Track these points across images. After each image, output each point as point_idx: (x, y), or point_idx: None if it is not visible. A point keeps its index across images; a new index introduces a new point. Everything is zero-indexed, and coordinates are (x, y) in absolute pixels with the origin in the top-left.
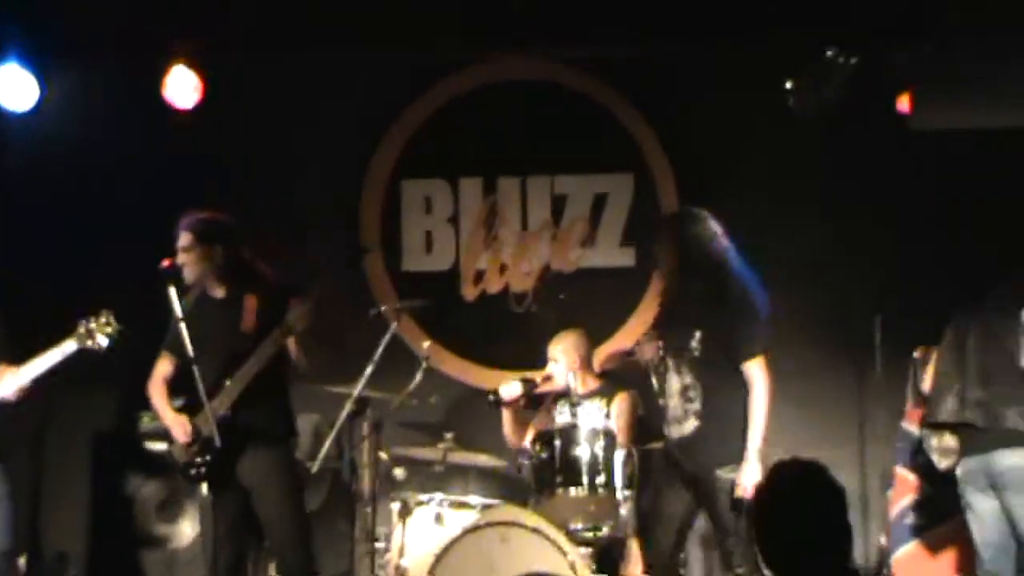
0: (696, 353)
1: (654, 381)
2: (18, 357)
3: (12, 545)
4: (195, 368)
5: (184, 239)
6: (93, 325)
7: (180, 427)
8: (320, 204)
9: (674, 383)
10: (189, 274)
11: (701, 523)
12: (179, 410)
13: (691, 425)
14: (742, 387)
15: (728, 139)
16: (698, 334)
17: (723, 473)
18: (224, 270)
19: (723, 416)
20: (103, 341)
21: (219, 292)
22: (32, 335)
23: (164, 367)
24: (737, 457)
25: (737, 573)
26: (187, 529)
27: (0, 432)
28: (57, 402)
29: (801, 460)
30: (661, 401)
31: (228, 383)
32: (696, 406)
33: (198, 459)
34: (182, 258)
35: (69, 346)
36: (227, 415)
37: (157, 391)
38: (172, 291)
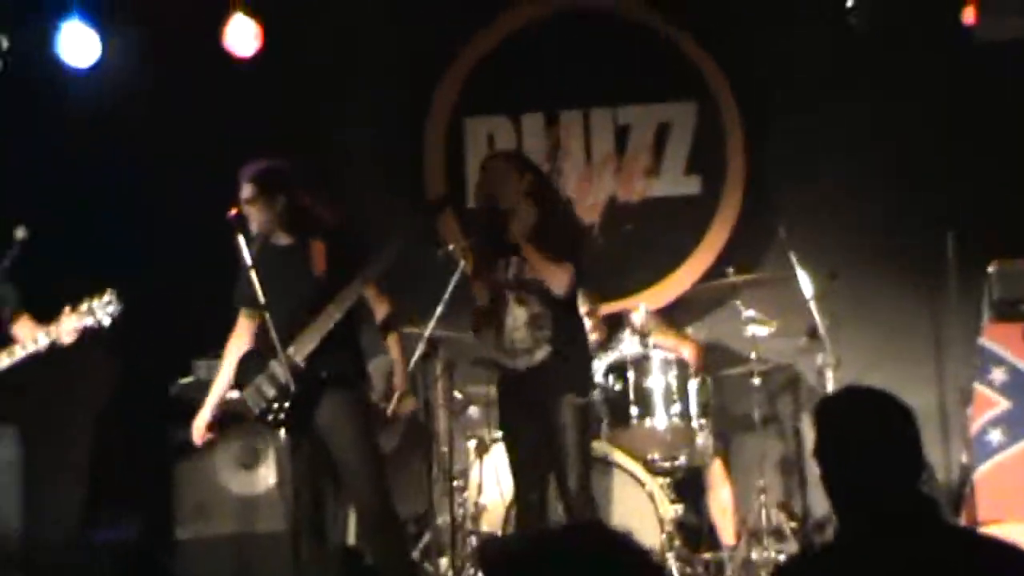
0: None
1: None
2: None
3: (20, 524)
4: (268, 315)
5: (247, 191)
6: (96, 303)
7: (199, 426)
8: (382, 146)
9: (521, 315)
10: (254, 224)
11: (779, 449)
12: (256, 355)
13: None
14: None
15: (790, 62)
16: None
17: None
18: (288, 217)
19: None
20: (105, 320)
21: (284, 240)
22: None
23: (243, 322)
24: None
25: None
26: (264, 476)
27: (13, 396)
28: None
29: (865, 386)
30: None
31: (306, 329)
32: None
33: (275, 405)
34: (247, 209)
35: (70, 324)
36: (303, 362)
37: (233, 351)
38: (240, 239)
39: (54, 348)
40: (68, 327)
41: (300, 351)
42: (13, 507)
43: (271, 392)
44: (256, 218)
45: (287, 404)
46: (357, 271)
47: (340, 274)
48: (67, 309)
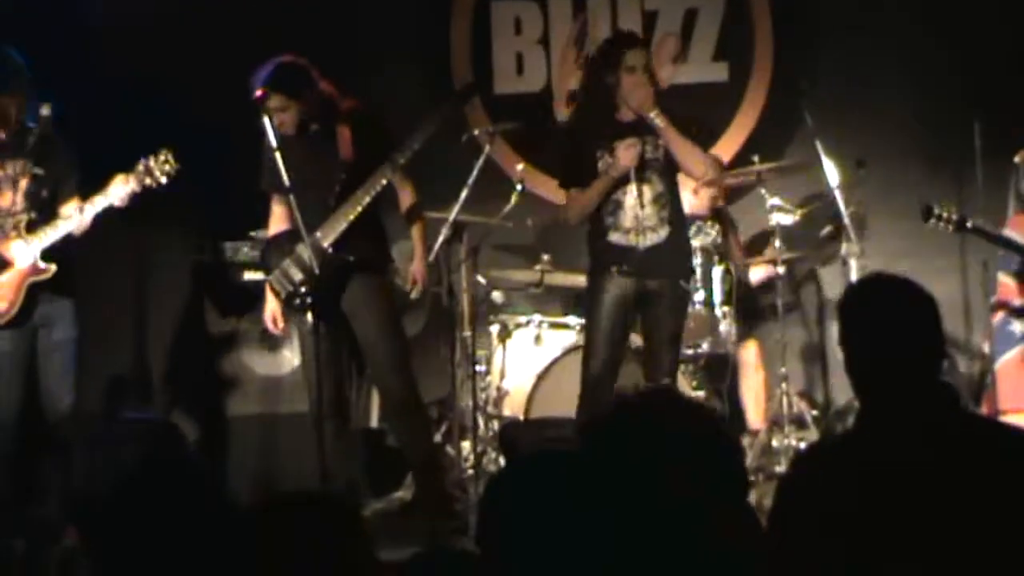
0: (662, 160)
1: (632, 189)
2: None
3: (71, 400)
4: (293, 199)
5: (277, 100)
6: (152, 163)
7: (273, 314)
8: (405, 30)
9: (648, 192)
10: (289, 128)
11: (801, 338)
12: (285, 239)
13: (664, 232)
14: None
15: None
16: (657, 142)
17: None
18: (315, 110)
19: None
20: (162, 179)
21: (312, 127)
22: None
23: (277, 208)
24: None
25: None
26: (288, 357)
27: (67, 269)
28: (154, 236)
29: (889, 273)
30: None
31: (334, 214)
32: (666, 213)
33: (302, 289)
34: (281, 117)
35: (128, 184)
36: (329, 246)
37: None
38: (266, 121)
39: (110, 212)
40: (123, 189)
41: (327, 236)
42: (65, 387)
43: (298, 276)
44: (290, 122)
45: (313, 288)
46: (384, 156)
47: (367, 159)
48: (120, 174)
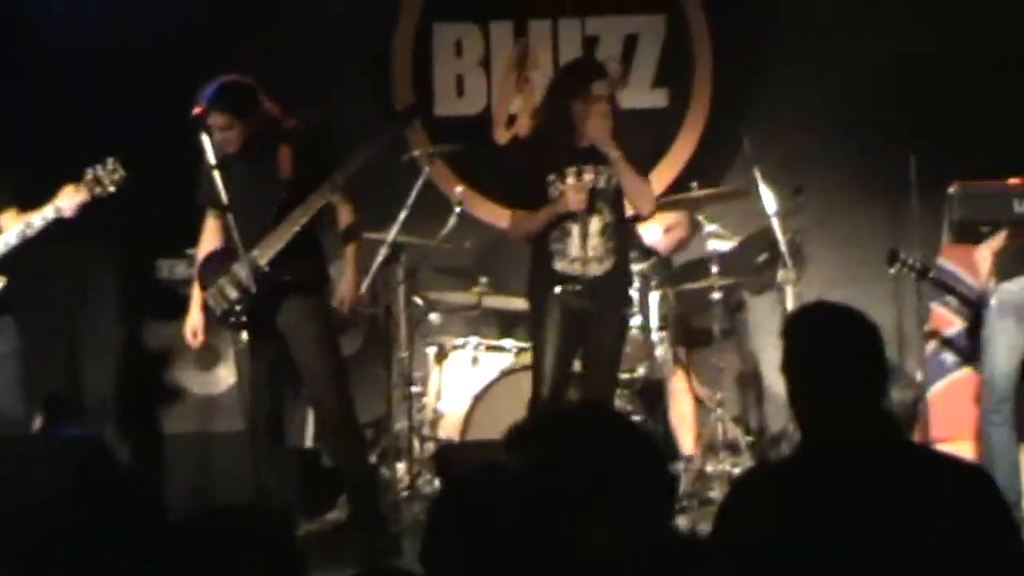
0: (612, 191)
1: (575, 226)
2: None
3: (26, 410)
4: (230, 217)
5: (222, 119)
6: (101, 172)
7: (194, 327)
8: (350, 51)
9: (596, 222)
10: (233, 146)
11: (736, 364)
12: (220, 256)
13: (609, 263)
14: None
15: None
16: (610, 173)
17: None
18: (259, 129)
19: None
20: (111, 188)
21: (254, 146)
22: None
23: (211, 223)
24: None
25: None
26: (224, 376)
27: (12, 283)
28: (88, 253)
29: (833, 302)
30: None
31: (271, 233)
32: (612, 243)
33: (237, 307)
34: (226, 135)
35: (77, 194)
36: (266, 265)
37: (204, 251)
38: (205, 139)
39: (59, 222)
40: (73, 199)
41: (264, 254)
42: (18, 396)
43: (233, 294)
44: (235, 141)
45: (249, 306)
46: (323, 177)
47: (307, 179)
48: (69, 184)
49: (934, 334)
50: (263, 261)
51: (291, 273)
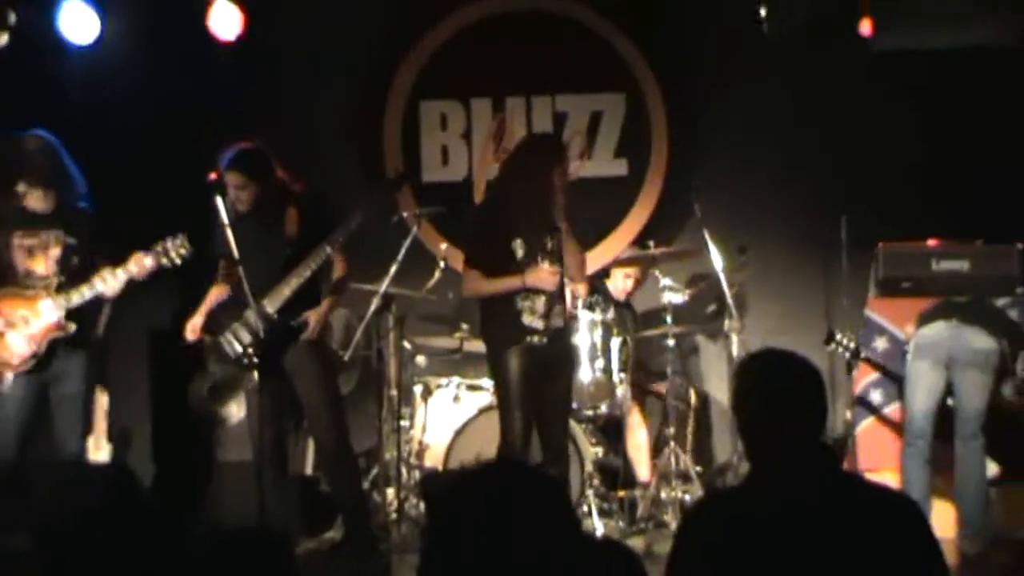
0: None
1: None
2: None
3: (81, 447)
4: (241, 269)
5: (238, 179)
6: (170, 245)
7: (195, 325)
8: (345, 124)
9: None
10: (245, 206)
11: (688, 402)
12: (231, 305)
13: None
14: None
15: (710, 61)
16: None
17: None
18: (270, 191)
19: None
20: (177, 260)
21: (265, 205)
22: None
23: (222, 272)
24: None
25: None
26: (235, 410)
27: (84, 326)
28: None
29: (776, 349)
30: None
31: (279, 285)
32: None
33: (250, 350)
34: (240, 195)
35: (146, 262)
36: (274, 312)
37: (214, 293)
38: (219, 201)
39: (130, 284)
40: (143, 266)
41: (273, 303)
42: (76, 434)
43: (247, 338)
44: (248, 201)
45: (260, 349)
46: (325, 235)
47: (310, 236)
48: (138, 252)
49: (862, 377)
50: (272, 309)
51: (296, 319)
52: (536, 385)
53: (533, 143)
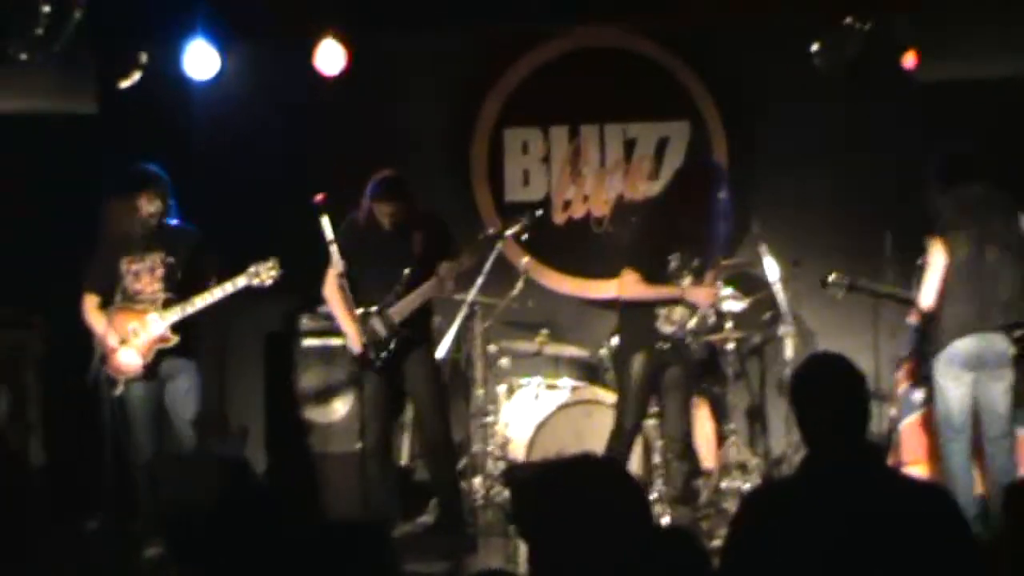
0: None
1: None
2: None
3: (197, 436)
4: (357, 279)
5: (394, 205)
6: (261, 268)
7: (354, 338)
8: (438, 151)
9: None
10: (388, 223)
11: (746, 400)
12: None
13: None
14: None
15: (765, 91)
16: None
17: None
18: (406, 213)
19: None
20: (267, 282)
21: (400, 225)
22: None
23: (330, 280)
24: None
25: None
26: (339, 408)
27: (193, 337)
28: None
29: (829, 352)
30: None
31: (405, 298)
32: None
33: (383, 354)
34: (396, 216)
35: (239, 282)
36: (399, 323)
37: (334, 300)
38: (325, 220)
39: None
40: (237, 285)
41: (399, 314)
42: (191, 426)
43: (381, 334)
44: (390, 221)
45: (385, 355)
46: (445, 255)
47: (431, 256)
48: (238, 275)
49: (905, 378)
50: (397, 319)
51: (413, 328)
52: (652, 383)
53: (699, 169)
